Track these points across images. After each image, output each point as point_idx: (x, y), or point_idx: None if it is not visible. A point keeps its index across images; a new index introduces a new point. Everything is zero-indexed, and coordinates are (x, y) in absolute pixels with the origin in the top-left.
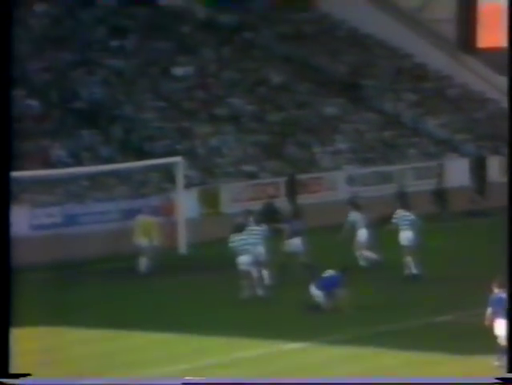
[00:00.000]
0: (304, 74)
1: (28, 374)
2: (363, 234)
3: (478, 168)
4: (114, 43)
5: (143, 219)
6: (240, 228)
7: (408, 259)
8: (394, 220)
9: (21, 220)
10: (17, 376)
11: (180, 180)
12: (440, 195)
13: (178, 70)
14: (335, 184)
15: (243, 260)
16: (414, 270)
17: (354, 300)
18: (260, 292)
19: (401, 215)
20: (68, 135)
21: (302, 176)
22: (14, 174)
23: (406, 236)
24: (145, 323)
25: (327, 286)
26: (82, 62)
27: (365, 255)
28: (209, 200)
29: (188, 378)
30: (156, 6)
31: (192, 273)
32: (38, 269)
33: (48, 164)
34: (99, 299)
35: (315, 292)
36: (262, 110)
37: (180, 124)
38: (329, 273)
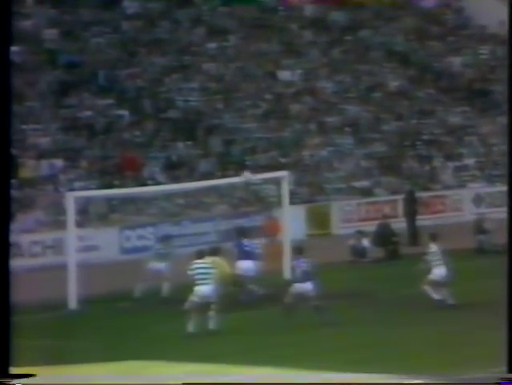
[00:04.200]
0: (425, 78)
1: (27, 375)
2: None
3: None
4: (213, 46)
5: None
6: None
7: (444, 291)
8: (426, 256)
9: (111, 242)
10: (17, 376)
11: (285, 196)
12: None
13: (284, 74)
14: (460, 203)
15: None
16: (450, 300)
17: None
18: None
19: (433, 250)
20: (162, 147)
21: (423, 194)
22: (103, 192)
23: (437, 271)
24: (245, 358)
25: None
26: (177, 67)
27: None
28: (318, 219)
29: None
30: (258, 4)
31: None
32: (128, 298)
33: (140, 180)
34: (196, 331)
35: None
36: (378, 118)
37: (287, 134)
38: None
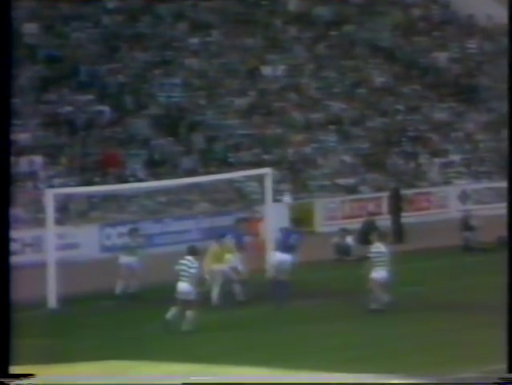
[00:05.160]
0: (411, 74)
1: (28, 375)
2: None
3: None
4: (195, 41)
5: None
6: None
7: (379, 293)
8: (370, 256)
9: (91, 240)
10: (17, 376)
11: (268, 194)
12: None
13: (268, 70)
14: (445, 200)
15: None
16: (374, 305)
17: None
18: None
19: (379, 250)
20: (143, 144)
21: (408, 191)
22: (83, 189)
23: (379, 272)
24: (225, 359)
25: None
26: (159, 63)
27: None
28: (302, 217)
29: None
30: None
31: (279, 301)
32: (109, 297)
33: (121, 177)
34: (177, 332)
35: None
36: (363, 115)
37: (270, 131)
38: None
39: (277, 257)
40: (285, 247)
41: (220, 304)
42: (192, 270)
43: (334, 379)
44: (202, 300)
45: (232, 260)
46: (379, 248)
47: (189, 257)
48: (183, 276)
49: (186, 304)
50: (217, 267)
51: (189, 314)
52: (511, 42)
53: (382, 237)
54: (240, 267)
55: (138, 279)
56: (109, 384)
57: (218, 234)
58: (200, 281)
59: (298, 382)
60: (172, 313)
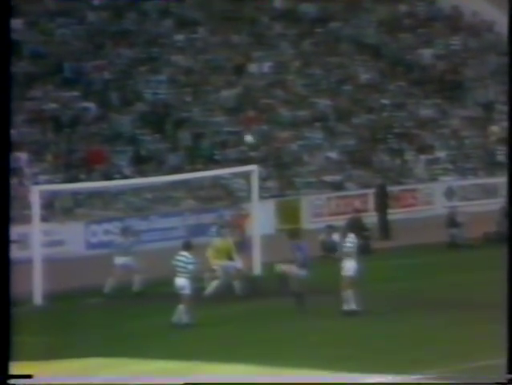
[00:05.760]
0: (396, 70)
1: (29, 376)
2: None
3: None
4: (181, 37)
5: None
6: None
7: (349, 292)
8: (343, 247)
9: (76, 237)
10: (17, 377)
11: (255, 191)
12: None
13: (254, 67)
14: (431, 197)
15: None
16: (353, 306)
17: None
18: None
19: (349, 240)
20: (129, 141)
21: (394, 188)
22: (69, 186)
23: (350, 265)
24: (216, 356)
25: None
26: (145, 59)
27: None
28: (288, 213)
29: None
30: None
31: (266, 298)
32: (95, 294)
33: (107, 174)
34: (164, 328)
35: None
36: (349, 111)
37: (256, 128)
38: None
39: (296, 273)
40: (303, 264)
41: (219, 299)
42: (189, 266)
43: (328, 379)
44: (199, 295)
45: (233, 254)
46: (351, 238)
47: (185, 253)
48: (180, 272)
49: (184, 299)
50: (220, 262)
51: (186, 308)
52: (511, 42)
53: (352, 228)
54: (239, 263)
55: (141, 275)
56: (96, 383)
57: (218, 227)
58: (198, 276)
59: (291, 383)
60: (178, 312)
